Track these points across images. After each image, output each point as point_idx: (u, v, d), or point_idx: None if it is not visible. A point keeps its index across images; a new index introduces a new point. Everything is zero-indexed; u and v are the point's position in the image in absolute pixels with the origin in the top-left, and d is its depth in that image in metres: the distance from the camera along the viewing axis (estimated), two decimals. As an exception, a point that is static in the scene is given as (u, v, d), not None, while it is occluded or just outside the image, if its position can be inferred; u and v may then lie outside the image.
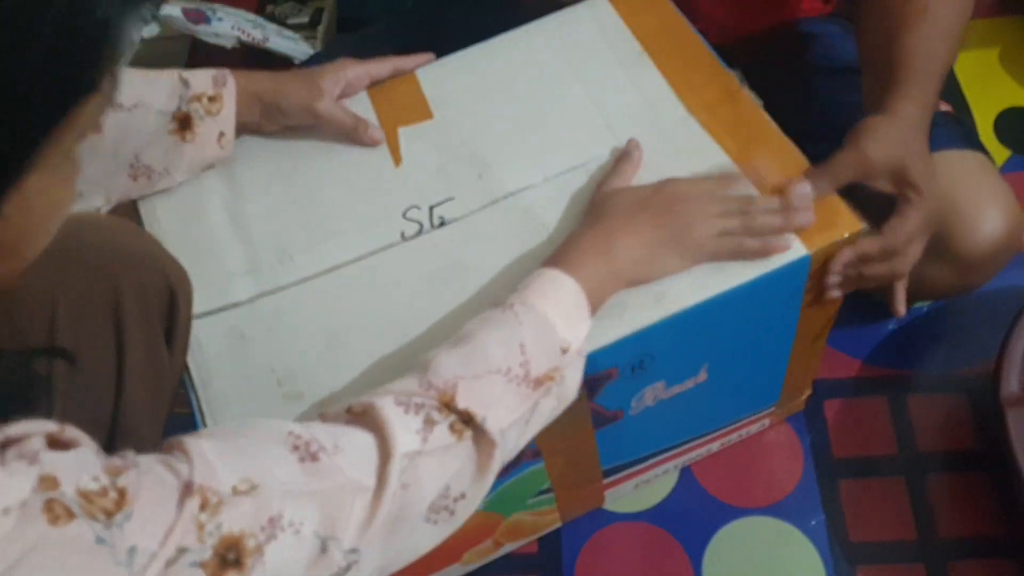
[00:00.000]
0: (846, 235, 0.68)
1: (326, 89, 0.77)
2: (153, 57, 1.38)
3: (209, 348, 0.70)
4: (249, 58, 1.36)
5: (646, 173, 0.73)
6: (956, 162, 0.89)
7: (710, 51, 0.80)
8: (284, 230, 0.75)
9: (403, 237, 0.73)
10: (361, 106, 0.81)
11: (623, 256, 0.64)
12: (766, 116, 0.75)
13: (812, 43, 0.98)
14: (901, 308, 0.77)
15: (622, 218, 0.65)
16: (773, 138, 0.74)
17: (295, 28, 1.38)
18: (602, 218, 0.65)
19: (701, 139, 0.74)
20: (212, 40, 1.31)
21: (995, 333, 0.90)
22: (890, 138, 0.70)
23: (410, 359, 0.66)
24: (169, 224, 0.76)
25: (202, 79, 0.73)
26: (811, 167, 0.71)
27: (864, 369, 1.00)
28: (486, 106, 0.80)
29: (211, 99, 0.74)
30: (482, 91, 0.81)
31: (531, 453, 0.75)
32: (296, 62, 1.30)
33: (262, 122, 0.78)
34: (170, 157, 0.74)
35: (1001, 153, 1.15)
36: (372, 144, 0.78)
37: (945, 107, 0.95)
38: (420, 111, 0.80)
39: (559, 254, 0.63)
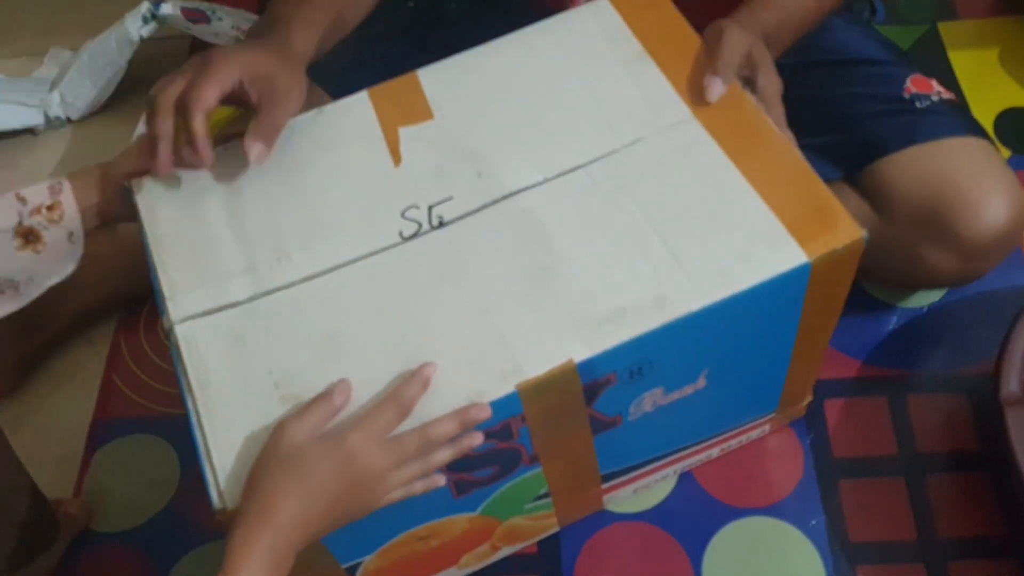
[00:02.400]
0: (847, 242, 0.68)
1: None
2: (153, 57, 1.38)
3: (206, 350, 0.69)
4: (249, 58, 1.36)
5: (649, 175, 0.73)
6: (959, 149, 0.89)
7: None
8: (283, 229, 0.75)
9: (402, 237, 0.73)
10: (362, 107, 0.81)
11: (296, 532, 0.60)
12: (767, 119, 0.75)
13: (813, 36, 0.98)
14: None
15: (295, 495, 0.60)
16: (774, 141, 0.74)
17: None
18: (264, 487, 0.61)
19: (702, 139, 0.74)
20: (211, 40, 1.31)
21: (995, 333, 0.90)
22: (742, 31, 0.78)
23: (408, 361, 0.66)
24: (168, 223, 0.76)
25: (38, 192, 0.76)
26: (709, 64, 0.75)
27: (864, 369, 1.00)
28: (487, 106, 0.79)
29: (50, 208, 0.76)
30: (483, 91, 0.81)
31: (529, 458, 0.75)
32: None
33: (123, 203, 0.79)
34: (30, 268, 0.77)
35: (1002, 153, 1.15)
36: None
37: (948, 95, 0.95)
38: (421, 111, 0.80)
39: (228, 552, 0.59)
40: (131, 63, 1.32)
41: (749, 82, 0.77)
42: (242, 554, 0.58)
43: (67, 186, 0.77)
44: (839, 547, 0.90)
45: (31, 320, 1.06)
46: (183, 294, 0.72)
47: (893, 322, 1.03)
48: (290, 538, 0.60)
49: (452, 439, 0.65)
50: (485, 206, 0.73)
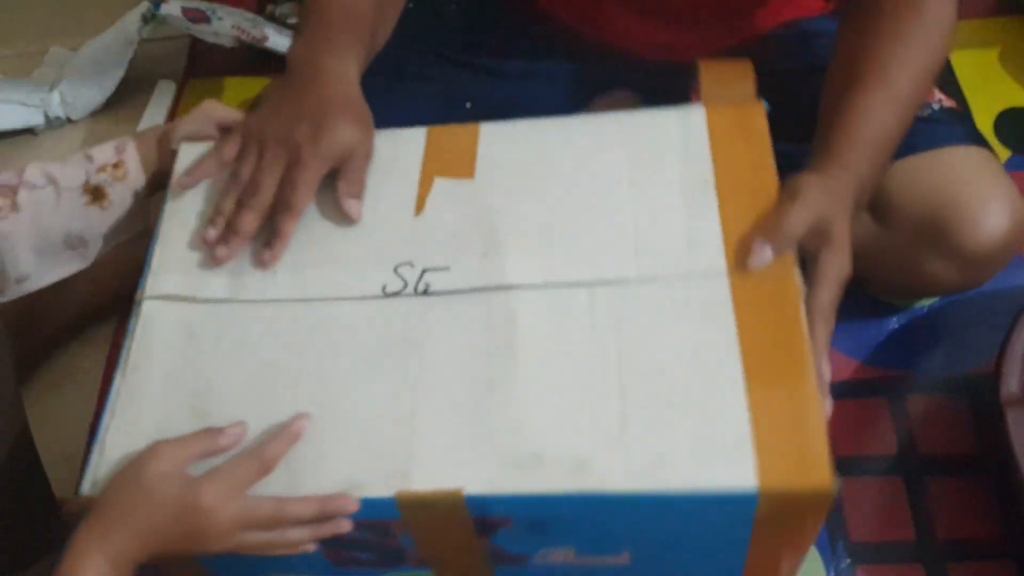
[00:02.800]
0: (811, 489, 0.59)
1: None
2: (153, 57, 1.38)
3: (157, 334, 0.69)
4: (249, 58, 1.36)
5: (648, 321, 0.66)
6: (959, 158, 0.89)
7: None
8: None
9: (383, 292, 0.70)
10: (415, 143, 0.78)
11: (131, 555, 0.61)
12: (802, 316, 0.65)
13: (818, 41, 0.98)
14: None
15: (135, 524, 0.61)
16: (795, 344, 0.64)
17: (295, 28, 1.38)
18: (113, 505, 0.62)
19: (723, 305, 0.65)
20: (212, 39, 1.31)
21: (995, 333, 0.90)
22: (824, 193, 0.69)
23: (314, 418, 0.64)
24: (191, 199, 0.76)
25: (105, 151, 0.81)
26: (766, 227, 0.67)
27: (864, 370, 1.00)
28: (530, 184, 0.74)
29: (115, 166, 0.80)
30: (534, 166, 0.75)
31: (415, 560, 0.70)
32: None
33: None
34: (95, 225, 0.81)
35: (1001, 153, 1.15)
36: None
37: (949, 103, 0.94)
38: (464, 167, 0.75)
39: (66, 556, 0.60)
40: (131, 63, 1.33)
41: (813, 255, 0.68)
42: (76, 564, 0.60)
43: (131, 145, 0.81)
44: (839, 547, 0.90)
45: (31, 320, 1.06)
46: (168, 272, 0.72)
47: (893, 322, 1.03)
48: (125, 558, 0.61)
49: (314, 522, 0.63)
50: (474, 290, 0.69)
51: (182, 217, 0.75)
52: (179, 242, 0.74)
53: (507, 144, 0.77)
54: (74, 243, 0.81)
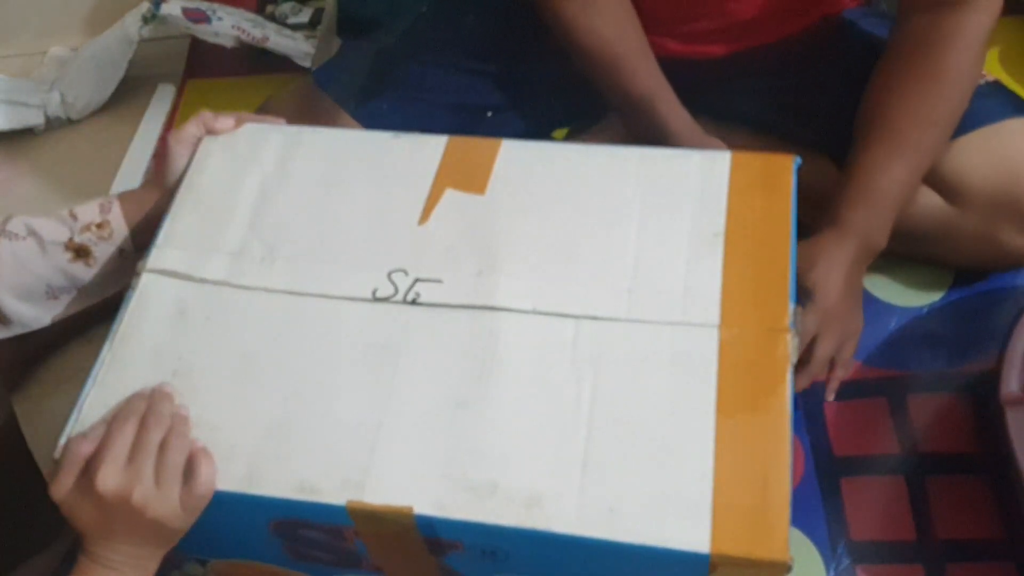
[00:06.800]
0: (764, 559, 0.58)
1: None
2: (153, 57, 1.38)
3: (150, 308, 0.71)
4: (249, 58, 1.36)
5: (630, 363, 0.65)
6: (1019, 130, 0.90)
7: (791, 271, 0.69)
8: (288, 231, 0.74)
9: (373, 296, 0.70)
10: (433, 152, 0.78)
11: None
12: (787, 375, 0.64)
13: (851, 33, 0.99)
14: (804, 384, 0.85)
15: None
16: (774, 411, 0.63)
17: (295, 28, 1.38)
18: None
19: (707, 359, 0.64)
20: (212, 39, 1.31)
21: (995, 333, 0.90)
22: (811, 254, 0.80)
23: (274, 421, 0.65)
24: (209, 179, 0.77)
25: (89, 210, 0.80)
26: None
27: (864, 370, 1.00)
28: (538, 208, 0.73)
29: (99, 226, 0.80)
30: (547, 191, 0.74)
31: (370, 565, 0.70)
32: (299, 63, 1.30)
33: None
34: (82, 279, 0.81)
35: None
36: None
37: (991, 77, 0.96)
38: (478, 182, 0.75)
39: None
40: (131, 63, 1.33)
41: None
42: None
43: (116, 204, 0.81)
44: (839, 546, 0.90)
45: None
46: (171, 247, 0.73)
47: (893, 322, 1.03)
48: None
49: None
50: (462, 307, 0.68)
51: (197, 193, 0.76)
52: (188, 220, 0.75)
53: (525, 164, 0.76)
54: (56, 293, 0.81)
